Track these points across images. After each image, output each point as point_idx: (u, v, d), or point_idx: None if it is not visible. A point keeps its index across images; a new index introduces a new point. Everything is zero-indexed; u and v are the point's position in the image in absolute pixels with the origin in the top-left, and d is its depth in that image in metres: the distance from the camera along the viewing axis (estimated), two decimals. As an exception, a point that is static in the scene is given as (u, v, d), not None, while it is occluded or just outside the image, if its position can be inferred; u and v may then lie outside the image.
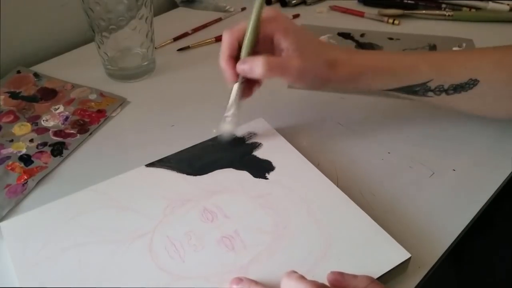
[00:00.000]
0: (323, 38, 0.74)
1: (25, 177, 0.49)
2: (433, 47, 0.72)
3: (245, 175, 0.47)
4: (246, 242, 0.40)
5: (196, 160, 0.48)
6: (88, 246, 0.40)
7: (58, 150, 0.53)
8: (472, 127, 0.56)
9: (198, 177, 0.46)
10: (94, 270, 0.38)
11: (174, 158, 0.48)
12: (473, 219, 0.45)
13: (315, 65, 0.46)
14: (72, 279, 0.37)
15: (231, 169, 0.47)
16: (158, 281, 0.37)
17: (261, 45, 0.46)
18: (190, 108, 0.57)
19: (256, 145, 0.50)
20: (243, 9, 0.83)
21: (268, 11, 0.46)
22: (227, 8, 0.83)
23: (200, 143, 0.50)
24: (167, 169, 0.47)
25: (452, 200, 0.47)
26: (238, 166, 0.47)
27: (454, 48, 0.71)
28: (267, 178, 0.46)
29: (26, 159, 0.51)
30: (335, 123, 0.56)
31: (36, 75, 0.65)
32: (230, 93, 0.47)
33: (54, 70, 0.66)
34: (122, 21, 0.59)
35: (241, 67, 0.45)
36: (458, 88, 0.48)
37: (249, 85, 0.48)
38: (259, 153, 0.49)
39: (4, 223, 0.42)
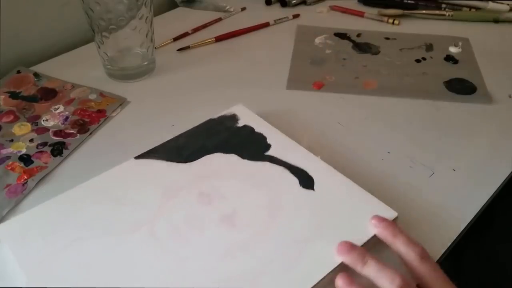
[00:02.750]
0: (320, 38, 0.74)
1: (25, 177, 0.49)
2: (429, 47, 0.72)
3: (233, 158, 0.48)
4: (245, 219, 0.42)
5: (183, 148, 0.49)
6: (90, 240, 0.40)
7: (58, 150, 0.53)
8: (472, 127, 0.56)
9: (188, 164, 0.48)
10: (102, 261, 0.39)
11: (161, 149, 0.49)
12: (473, 219, 0.45)
13: None
14: (81, 272, 0.38)
15: (219, 153, 0.49)
16: (166, 264, 0.38)
17: None
18: (190, 108, 0.57)
19: (239, 129, 0.52)
20: (243, 9, 0.83)
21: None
22: (227, 8, 0.83)
23: (185, 131, 0.52)
24: (157, 159, 0.48)
25: (452, 200, 0.47)
26: (226, 150, 0.49)
27: (451, 48, 0.71)
28: (255, 158, 0.48)
29: (26, 159, 0.51)
30: (335, 123, 0.56)
31: (36, 75, 0.65)
32: None
33: (54, 70, 0.66)
34: (122, 21, 0.59)
35: None
36: None
37: None
38: (243, 135, 0.51)
39: (0, 226, 0.42)
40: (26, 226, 0.42)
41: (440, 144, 0.54)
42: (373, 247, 0.40)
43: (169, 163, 0.48)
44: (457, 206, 0.46)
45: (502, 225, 0.60)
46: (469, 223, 0.45)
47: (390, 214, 0.42)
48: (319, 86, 0.63)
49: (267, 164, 0.47)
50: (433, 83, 0.63)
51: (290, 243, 0.40)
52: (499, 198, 0.49)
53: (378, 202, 0.43)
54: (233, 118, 0.54)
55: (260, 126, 0.52)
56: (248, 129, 0.52)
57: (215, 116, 0.54)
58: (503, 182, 0.50)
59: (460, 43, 0.72)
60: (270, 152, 0.49)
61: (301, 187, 0.45)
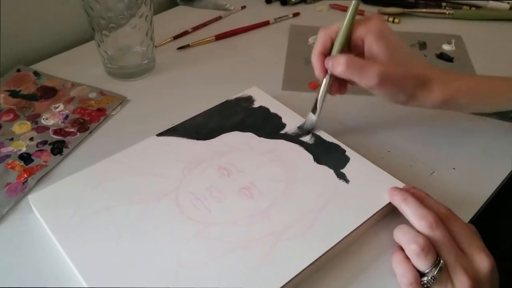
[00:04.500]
0: (314, 38, 0.73)
1: (25, 176, 0.49)
2: (422, 44, 0.72)
3: (249, 135, 0.51)
4: (262, 190, 0.44)
5: (202, 127, 0.52)
6: (118, 207, 0.43)
7: (58, 148, 0.53)
8: (472, 126, 0.56)
9: (207, 141, 0.50)
10: (129, 227, 0.41)
11: (181, 127, 0.52)
12: (472, 218, 0.45)
13: (402, 77, 0.45)
14: (110, 237, 0.40)
15: (236, 131, 0.51)
16: (190, 229, 0.41)
17: (354, 47, 0.47)
18: (190, 106, 0.57)
19: (255, 109, 0.55)
20: (243, 7, 0.83)
21: (367, 14, 0.46)
22: (227, 6, 0.83)
23: (203, 112, 0.54)
24: (177, 136, 0.51)
25: (452, 199, 0.47)
26: (242, 128, 0.52)
27: (444, 45, 0.71)
28: (270, 137, 0.50)
29: (26, 158, 0.51)
30: (335, 122, 0.56)
31: (36, 73, 0.65)
32: (320, 87, 0.49)
33: (54, 68, 0.66)
34: (122, 19, 0.59)
35: (327, 62, 0.46)
36: None
37: (342, 82, 0.49)
38: (259, 115, 0.54)
39: (33, 195, 0.44)
40: (56, 196, 0.44)
41: (440, 143, 0.54)
42: (385, 218, 0.44)
43: (189, 140, 0.50)
44: (456, 205, 0.46)
45: (502, 224, 0.60)
46: (468, 223, 0.45)
47: (399, 187, 0.44)
48: (315, 86, 0.63)
49: (282, 142, 0.50)
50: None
51: (306, 211, 0.42)
52: (499, 197, 0.49)
53: (388, 176, 0.46)
54: (249, 99, 0.56)
55: (275, 107, 0.55)
56: (263, 110, 0.55)
57: (232, 97, 0.56)
58: (503, 181, 0.50)
59: (453, 41, 0.72)
60: (285, 131, 0.51)
61: (315, 163, 0.47)
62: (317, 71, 0.48)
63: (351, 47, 0.47)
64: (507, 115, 0.48)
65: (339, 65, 0.45)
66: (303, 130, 0.51)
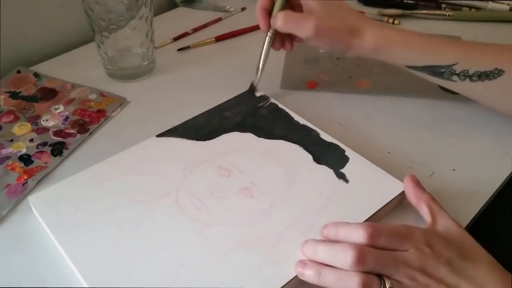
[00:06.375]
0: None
1: (25, 177, 0.49)
2: None
3: (249, 136, 0.51)
4: (263, 190, 0.45)
5: (202, 128, 0.52)
6: (119, 207, 0.43)
7: (58, 150, 0.53)
8: (472, 127, 0.56)
9: (207, 141, 0.51)
10: (130, 227, 0.41)
11: (181, 128, 0.52)
12: (473, 219, 0.45)
13: (336, 27, 0.49)
14: (111, 237, 0.40)
15: (235, 132, 0.52)
16: (191, 229, 0.41)
17: (295, 6, 0.52)
18: (190, 107, 0.57)
19: (255, 109, 0.55)
20: (243, 9, 0.83)
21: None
22: (227, 8, 0.83)
23: (203, 112, 0.55)
24: (177, 137, 0.51)
25: (452, 200, 0.47)
26: (242, 129, 0.52)
27: None
28: (270, 137, 0.51)
29: (26, 159, 0.51)
30: (335, 123, 0.56)
31: (36, 75, 0.65)
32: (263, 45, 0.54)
33: (54, 70, 0.66)
34: (122, 21, 0.59)
35: (272, 21, 0.52)
36: (483, 75, 0.49)
37: (285, 38, 0.55)
38: (258, 116, 0.54)
39: (32, 196, 0.45)
40: (56, 196, 0.44)
41: (440, 144, 0.54)
42: (385, 217, 0.44)
43: (189, 141, 0.51)
44: (457, 206, 0.46)
45: (502, 225, 0.60)
46: (469, 224, 0.45)
47: (398, 187, 0.44)
48: (312, 86, 0.63)
49: (282, 142, 0.50)
50: (427, 82, 0.63)
51: (306, 211, 0.42)
52: (499, 198, 0.49)
53: (387, 175, 0.46)
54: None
55: (275, 107, 0.55)
56: (263, 110, 0.55)
57: (232, 98, 0.57)
58: (503, 182, 0.50)
59: None
60: (284, 131, 0.52)
61: (315, 163, 0.47)
62: (261, 26, 0.53)
63: (293, 7, 0.52)
64: (437, 69, 0.50)
65: (277, 20, 0.50)
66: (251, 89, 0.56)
